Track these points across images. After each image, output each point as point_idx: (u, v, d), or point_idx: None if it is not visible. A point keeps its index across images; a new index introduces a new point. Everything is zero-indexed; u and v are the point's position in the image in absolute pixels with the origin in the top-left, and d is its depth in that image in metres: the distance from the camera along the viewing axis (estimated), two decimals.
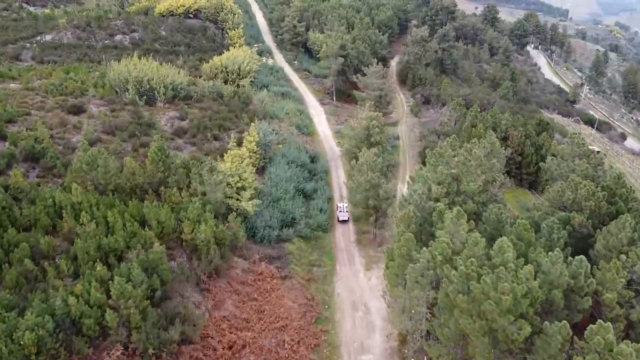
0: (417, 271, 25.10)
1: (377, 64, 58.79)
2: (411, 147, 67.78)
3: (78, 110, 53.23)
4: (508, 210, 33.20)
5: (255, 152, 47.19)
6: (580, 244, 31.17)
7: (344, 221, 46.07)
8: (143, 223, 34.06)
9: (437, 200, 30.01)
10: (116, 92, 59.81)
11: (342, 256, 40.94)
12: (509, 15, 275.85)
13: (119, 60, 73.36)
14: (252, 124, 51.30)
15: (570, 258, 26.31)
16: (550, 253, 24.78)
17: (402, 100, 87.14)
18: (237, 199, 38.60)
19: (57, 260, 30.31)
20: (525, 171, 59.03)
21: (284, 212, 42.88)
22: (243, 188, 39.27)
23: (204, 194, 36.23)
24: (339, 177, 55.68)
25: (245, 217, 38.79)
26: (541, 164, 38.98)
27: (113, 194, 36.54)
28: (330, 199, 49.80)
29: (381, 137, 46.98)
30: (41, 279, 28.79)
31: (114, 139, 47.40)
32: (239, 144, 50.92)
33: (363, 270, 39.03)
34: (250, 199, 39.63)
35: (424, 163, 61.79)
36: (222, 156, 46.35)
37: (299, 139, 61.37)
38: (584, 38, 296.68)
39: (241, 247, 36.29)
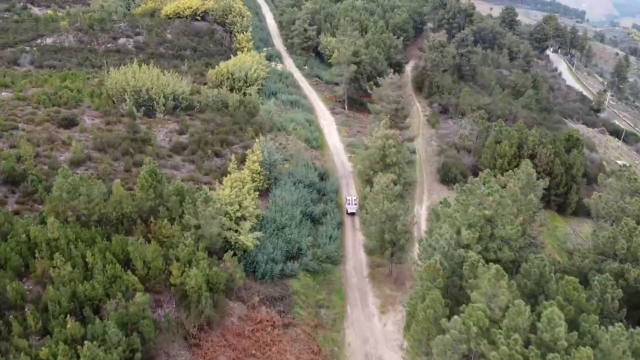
0: (447, 344, 20.65)
1: (395, 73, 54.25)
2: (429, 162, 63.11)
3: (70, 123, 49.44)
4: (548, 255, 28.61)
5: (259, 174, 42.92)
6: (634, 300, 26.55)
7: (352, 214, 46.67)
8: (128, 262, 30.00)
9: (468, 247, 25.51)
10: (113, 102, 56.00)
11: (353, 295, 36.53)
12: (524, 17, 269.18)
13: (121, 66, 70.03)
14: (257, 140, 47.10)
15: (631, 330, 21.69)
16: (611, 329, 20.19)
17: (418, 110, 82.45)
18: (236, 231, 34.35)
19: (27, 310, 26.39)
20: (555, 192, 54.11)
21: (289, 242, 38.59)
22: (243, 218, 35.02)
23: (198, 227, 32.01)
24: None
25: (245, 251, 34.55)
26: (586, 200, 34.31)
27: (98, 225, 32.58)
28: (341, 224, 45.41)
29: (398, 158, 42.43)
30: (6, 335, 24.79)
31: (106, 157, 43.45)
32: (242, 161, 46.92)
33: (378, 314, 34.59)
34: (252, 230, 35.36)
35: (443, 182, 57.44)
36: (223, 176, 42.32)
37: (308, 154, 57.03)
38: (602, 41, 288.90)
39: (239, 288, 32.02)
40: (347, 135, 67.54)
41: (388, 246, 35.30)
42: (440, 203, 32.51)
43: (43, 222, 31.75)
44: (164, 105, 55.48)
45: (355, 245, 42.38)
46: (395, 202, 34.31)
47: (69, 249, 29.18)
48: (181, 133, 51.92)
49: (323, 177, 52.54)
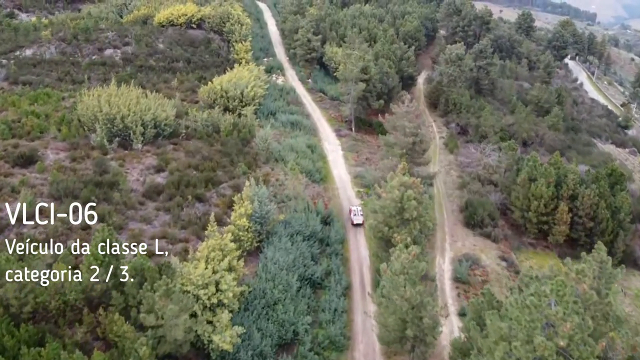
0: None
1: (411, 101, 46.10)
2: (449, 197, 54.98)
3: (28, 160, 41.86)
4: None
5: (247, 230, 35.06)
6: None
7: (358, 225, 44.90)
8: None
9: None
10: (83, 129, 48.35)
11: None
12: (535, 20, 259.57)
13: (105, 80, 63.62)
14: (247, 182, 39.26)
15: None
16: None
17: (433, 130, 74.31)
18: (210, 322, 26.50)
19: None
20: (598, 240, 45.89)
21: (281, 324, 30.70)
22: (221, 304, 27.16)
23: (158, 326, 24.18)
24: (358, 248, 43.23)
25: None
26: None
27: (31, 320, 24.92)
28: (347, 288, 37.44)
29: (419, 211, 34.44)
30: None
31: (61, 209, 35.64)
32: (230, 206, 39.32)
33: None
34: (232, 314, 27.55)
35: (467, 224, 49.32)
36: (204, 230, 34.60)
37: (309, 191, 49.08)
38: (616, 45, 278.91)
39: None
40: (355, 164, 59.57)
41: (410, 339, 27.31)
42: (486, 303, 24.44)
43: None
44: (142, 134, 47.82)
45: (365, 321, 34.39)
46: (420, 286, 26.34)
47: None
48: (159, 170, 44.18)
49: (326, 221, 44.66)
